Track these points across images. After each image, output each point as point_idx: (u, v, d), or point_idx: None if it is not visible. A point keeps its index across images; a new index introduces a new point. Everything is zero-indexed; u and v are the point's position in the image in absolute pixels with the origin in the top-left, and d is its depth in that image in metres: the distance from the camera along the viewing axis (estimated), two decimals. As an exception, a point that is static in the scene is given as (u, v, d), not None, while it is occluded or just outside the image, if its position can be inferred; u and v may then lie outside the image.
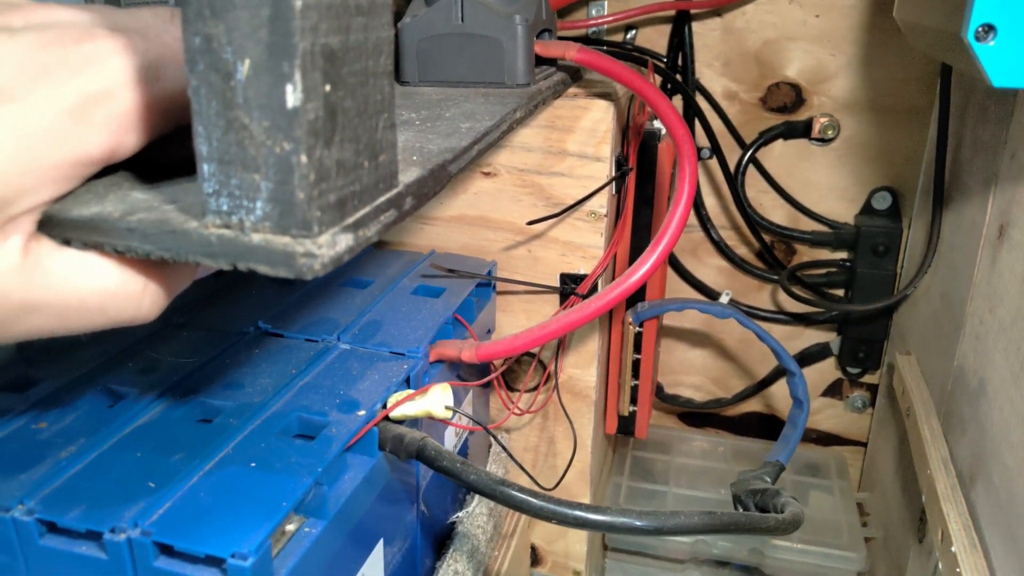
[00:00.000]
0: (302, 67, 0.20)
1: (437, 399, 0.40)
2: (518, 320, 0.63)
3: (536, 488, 0.38)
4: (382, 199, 0.26)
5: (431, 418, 0.41)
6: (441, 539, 0.54)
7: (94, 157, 0.23)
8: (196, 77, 0.21)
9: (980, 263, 0.56)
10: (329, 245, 0.22)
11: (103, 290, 0.24)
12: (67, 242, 0.24)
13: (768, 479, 0.58)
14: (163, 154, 0.28)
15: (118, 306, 0.25)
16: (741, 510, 0.55)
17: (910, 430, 0.64)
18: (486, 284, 0.59)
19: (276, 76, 0.20)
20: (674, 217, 0.44)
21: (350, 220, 0.24)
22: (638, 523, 0.38)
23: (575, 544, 0.69)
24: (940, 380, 0.62)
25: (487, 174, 0.60)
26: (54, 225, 0.24)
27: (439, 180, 0.31)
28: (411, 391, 0.42)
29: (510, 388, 0.64)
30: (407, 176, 0.28)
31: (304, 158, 0.21)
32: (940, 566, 0.51)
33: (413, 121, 0.38)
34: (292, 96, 0.21)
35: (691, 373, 0.92)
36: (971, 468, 0.52)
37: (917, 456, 0.61)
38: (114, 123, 0.23)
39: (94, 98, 0.23)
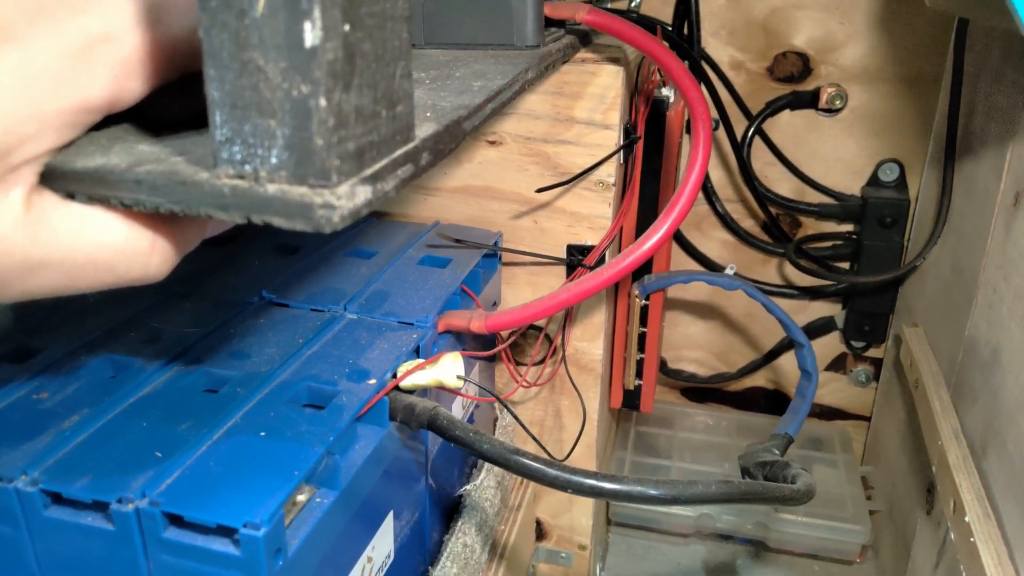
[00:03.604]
0: (321, 3, 0.19)
1: (448, 368, 0.39)
2: (523, 292, 0.62)
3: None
4: (399, 152, 0.25)
5: (441, 388, 0.40)
6: (448, 512, 0.53)
7: (96, 103, 0.22)
8: (208, 15, 0.20)
9: (994, 231, 0.55)
10: (348, 196, 0.21)
11: (110, 246, 0.23)
12: (71, 195, 0.23)
13: (777, 451, 0.57)
14: (164, 111, 0.26)
15: (126, 263, 0.24)
16: (751, 482, 0.54)
17: (918, 402, 0.64)
18: (492, 255, 0.58)
19: (294, 13, 0.19)
20: (688, 181, 0.43)
21: (368, 172, 0.23)
22: (654, 492, 0.37)
23: (580, 518, 0.69)
24: (949, 351, 0.61)
25: (492, 143, 0.58)
26: (57, 177, 0.23)
27: (455, 136, 0.30)
28: (421, 360, 0.41)
29: (516, 362, 0.63)
30: (423, 131, 0.27)
31: (323, 101, 0.20)
32: (952, 536, 0.51)
33: (423, 80, 0.37)
34: (311, 34, 0.19)
35: (694, 348, 0.92)
36: (983, 438, 0.52)
37: (927, 428, 0.60)
38: (116, 68, 0.22)
39: (95, 40, 0.22)
